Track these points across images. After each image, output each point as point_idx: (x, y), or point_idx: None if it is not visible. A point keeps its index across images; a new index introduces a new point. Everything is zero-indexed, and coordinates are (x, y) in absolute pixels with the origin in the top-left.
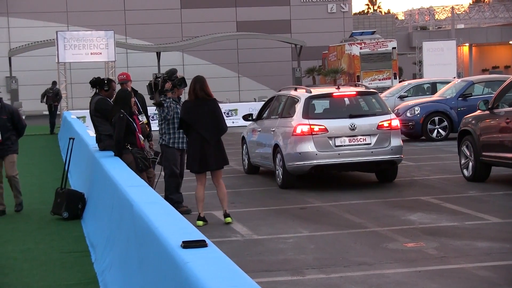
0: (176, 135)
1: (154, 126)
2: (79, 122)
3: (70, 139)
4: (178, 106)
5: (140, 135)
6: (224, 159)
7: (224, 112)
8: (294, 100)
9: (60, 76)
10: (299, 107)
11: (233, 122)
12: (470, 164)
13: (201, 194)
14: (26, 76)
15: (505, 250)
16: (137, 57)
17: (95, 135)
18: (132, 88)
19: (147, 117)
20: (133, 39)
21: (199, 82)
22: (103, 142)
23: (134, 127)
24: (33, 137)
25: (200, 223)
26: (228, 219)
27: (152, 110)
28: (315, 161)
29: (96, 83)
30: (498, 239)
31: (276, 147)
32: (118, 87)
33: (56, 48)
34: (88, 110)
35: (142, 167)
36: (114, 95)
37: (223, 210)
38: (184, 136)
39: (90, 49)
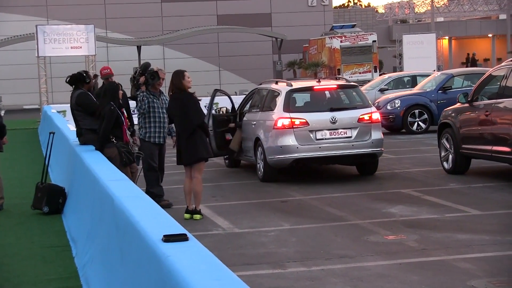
0: (152, 129)
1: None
2: (60, 116)
3: (50, 133)
4: (155, 100)
5: (127, 129)
6: (195, 154)
7: (205, 106)
8: (275, 94)
9: (40, 70)
10: (280, 101)
11: None
12: (450, 156)
13: (187, 187)
14: (6, 70)
15: (485, 242)
16: (118, 51)
17: (75, 129)
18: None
19: (129, 111)
20: (113, 33)
21: (174, 76)
22: (83, 136)
23: (122, 120)
24: (13, 131)
25: (187, 216)
26: (197, 217)
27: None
28: (296, 155)
29: (74, 80)
30: (478, 231)
31: (257, 140)
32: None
33: (36, 42)
34: (69, 104)
35: (126, 161)
36: (99, 87)
37: (195, 205)
38: (161, 130)
39: (70, 43)
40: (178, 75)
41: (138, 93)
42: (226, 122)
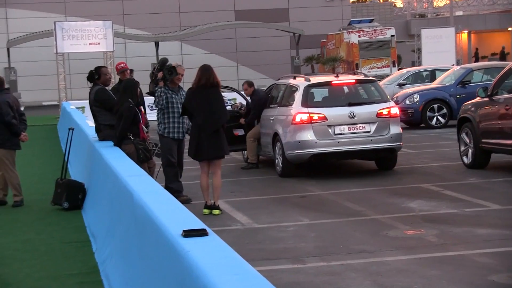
0: (171, 125)
1: (151, 116)
2: (78, 113)
3: (69, 129)
4: (174, 95)
5: (144, 126)
6: (219, 150)
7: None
8: (293, 89)
9: (59, 66)
10: (298, 96)
11: None
12: (470, 151)
13: (204, 183)
14: (25, 67)
15: (505, 236)
16: (136, 47)
17: (94, 125)
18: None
19: (144, 107)
20: (131, 29)
21: (206, 71)
22: (102, 132)
23: (139, 118)
24: (32, 127)
25: (206, 211)
26: (216, 212)
27: (149, 100)
28: (314, 150)
29: (89, 78)
30: (498, 226)
31: (275, 135)
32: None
33: (55, 38)
34: (87, 100)
35: (142, 158)
36: (118, 83)
37: (214, 201)
38: (180, 126)
39: (88, 40)
40: (209, 70)
41: (156, 88)
42: (236, 117)
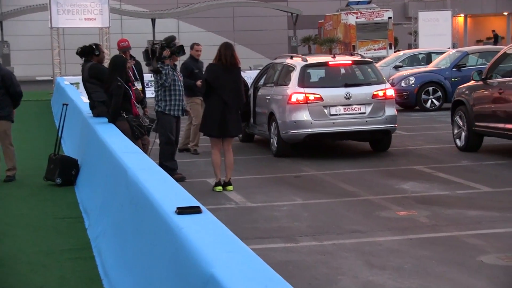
0: (173, 102)
1: (149, 93)
2: (73, 88)
3: (63, 105)
4: (175, 73)
5: (135, 102)
6: (240, 127)
7: None
8: (289, 69)
9: (53, 41)
10: (295, 76)
11: None
12: (463, 134)
13: (219, 160)
14: (18, 41)
15: (495, 218)
16: (132, 23)
17: (88, 101)
18: (130, 55)
19: (143, 84)
20: (127, 5)
21: (230, 49)
22: (96, 108)
23: (130, 94)
24: (26, 103)
25: (219, 188)
26: (230, 188)
27: (148, 77)
28: (309, 130)
29: (84, 52)
30: (489, 208)
31: (271, 115)
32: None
33: (49, 13)
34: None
35: (138, 135)
36: (109, 61)
37: (226, 178)
38: (180, 103)
39: (84, 15)
40: (231, 48)
41: (161, 66)
42: None
